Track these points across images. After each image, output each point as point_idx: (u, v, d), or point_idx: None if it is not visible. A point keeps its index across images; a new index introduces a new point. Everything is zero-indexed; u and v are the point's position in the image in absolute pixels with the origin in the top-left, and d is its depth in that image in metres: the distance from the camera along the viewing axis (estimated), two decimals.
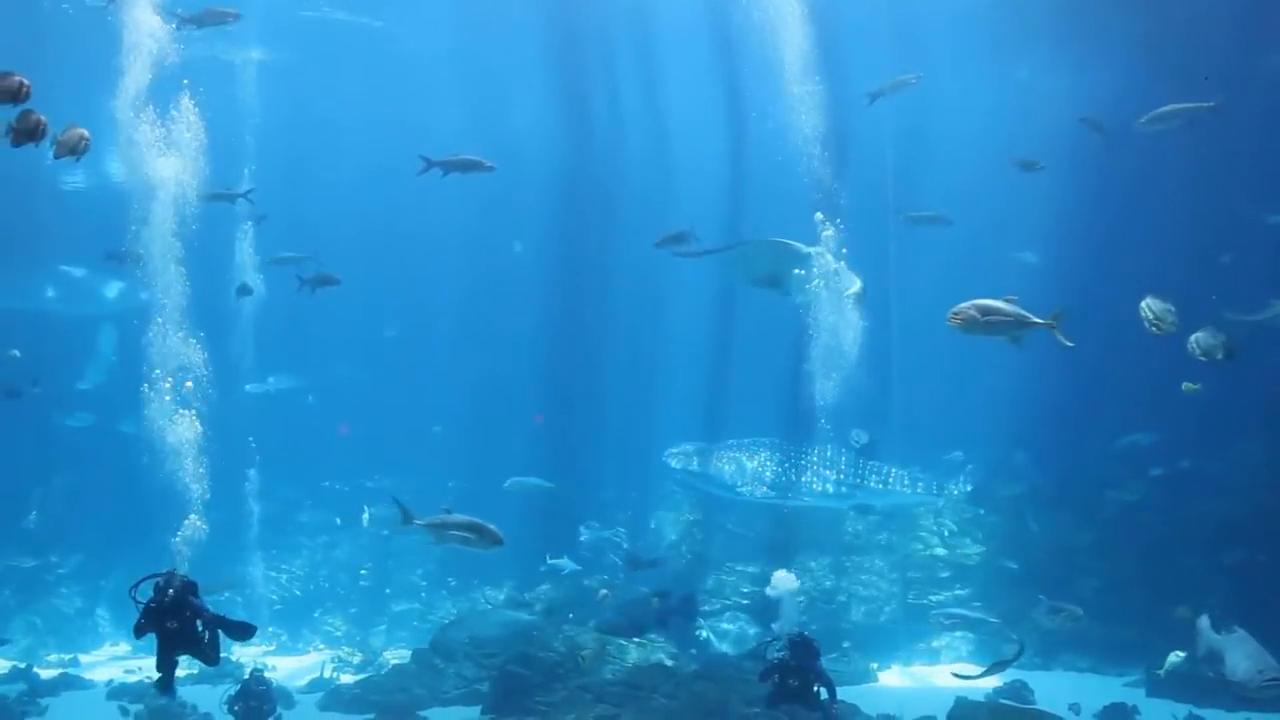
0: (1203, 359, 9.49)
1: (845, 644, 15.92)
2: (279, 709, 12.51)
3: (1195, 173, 17.75)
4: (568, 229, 24.23)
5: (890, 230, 19.99)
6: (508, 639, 14.56)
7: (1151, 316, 9.56)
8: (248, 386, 19.74)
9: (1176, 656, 14.02)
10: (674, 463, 16.88)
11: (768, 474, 16.18)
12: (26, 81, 7.70)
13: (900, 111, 22.16)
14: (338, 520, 20.27)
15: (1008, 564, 17.01)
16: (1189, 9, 17.85)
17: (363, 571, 19.42)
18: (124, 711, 13.84)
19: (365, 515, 19.33)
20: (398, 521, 10.17)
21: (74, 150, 8.36)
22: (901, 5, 20.68)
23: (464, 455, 20.46)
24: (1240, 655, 7.99)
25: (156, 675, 9.32)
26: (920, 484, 16.48)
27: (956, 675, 12.84)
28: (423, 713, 13.71)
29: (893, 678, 16.09)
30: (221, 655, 16.18)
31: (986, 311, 8.55)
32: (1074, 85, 20.45)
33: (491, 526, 9.75)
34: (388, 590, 19.42)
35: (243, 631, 9.46)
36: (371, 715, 13.65)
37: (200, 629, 8.97)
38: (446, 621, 16.43)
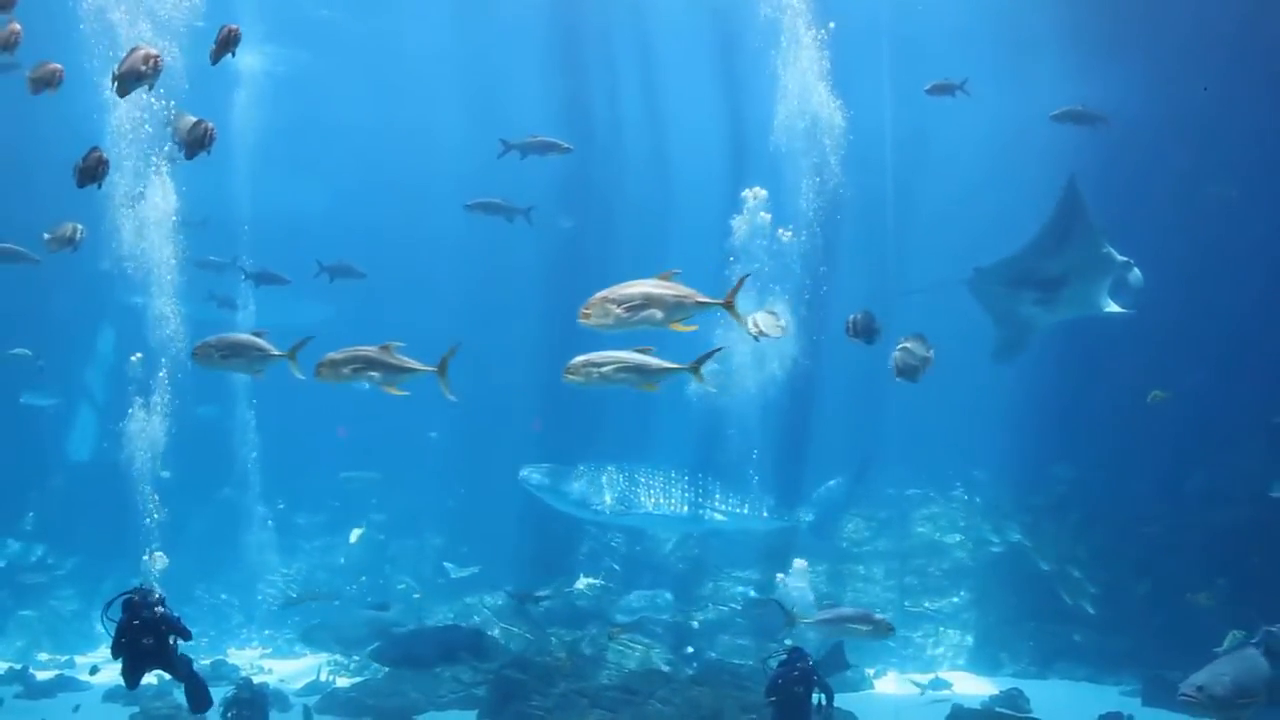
0: (900, 379, 9.23)
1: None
2: (271, 714, 12.46)
3: (1195, 181, 17.76)
4: (567, 231, 24.19)
5: (889, 237, 20.02)
6: (368, 637, 15.88)
7: (757, 330, 9.38)
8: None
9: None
10: (528, 476, 16.72)
11: (613, 493, 16.29)
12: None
13: (901, 115, 22.24)
14: (344, 548, 20.33)
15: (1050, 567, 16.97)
16: (1193, 16, 17.87)
17: (351, 587, 19.41)
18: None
19: (355, 534, 19.38)
20: (783, 623, 10.20)
21: (201, 143, 8.31)
22: (904, 11, 20.70)
23: (461, 461, 20.41)
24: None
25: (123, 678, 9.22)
26: (766, 511, 16.61)
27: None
28: (419, 717, 13.70)
29: (888, 684, 16.07)
30: (217, 658, 16.38)
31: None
32: (1078, 91, 20.43)
33: (880, 616, 10.06)
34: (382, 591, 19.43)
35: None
36: (368, 719, 13.64)
37: (174, 646, 8.93)
38: (314, 622, 17.23)
